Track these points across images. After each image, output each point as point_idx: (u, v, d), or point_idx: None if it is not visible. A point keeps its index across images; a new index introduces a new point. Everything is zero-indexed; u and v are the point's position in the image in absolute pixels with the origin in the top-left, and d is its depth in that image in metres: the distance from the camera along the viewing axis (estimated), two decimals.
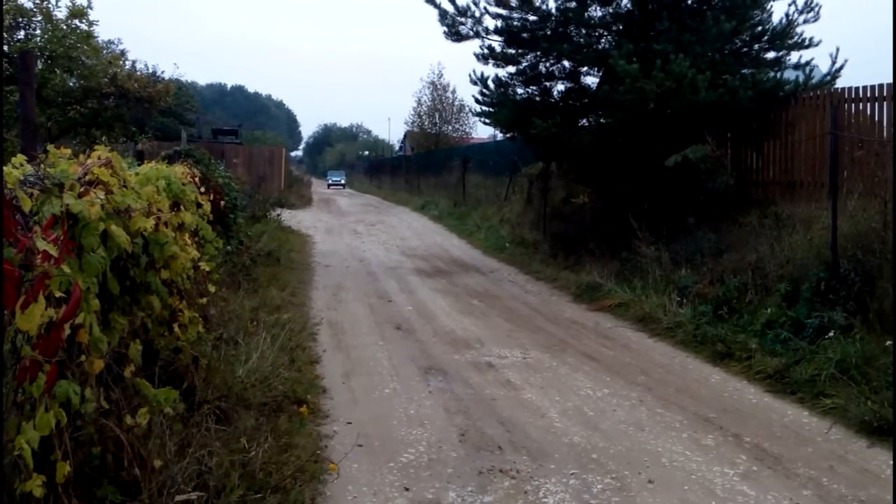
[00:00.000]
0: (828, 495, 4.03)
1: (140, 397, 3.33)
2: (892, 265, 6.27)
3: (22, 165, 2.69)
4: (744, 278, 7.79)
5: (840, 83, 10.69)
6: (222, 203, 8.78)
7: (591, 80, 12.64)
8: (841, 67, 10.89)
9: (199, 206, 5.39)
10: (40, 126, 12.22)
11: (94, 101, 14.25)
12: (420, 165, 37.95)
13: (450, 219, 21.67)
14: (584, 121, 12.82)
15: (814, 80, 10.90)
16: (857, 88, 9.13)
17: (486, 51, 12.67)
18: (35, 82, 5.00)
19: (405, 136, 55.89)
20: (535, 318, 8.76)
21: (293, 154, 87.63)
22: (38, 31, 13.99)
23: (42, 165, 2.86)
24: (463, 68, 18.20)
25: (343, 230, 19.72)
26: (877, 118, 8.84)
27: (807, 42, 11.46)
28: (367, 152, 77.10)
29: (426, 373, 6.34)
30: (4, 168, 2.52)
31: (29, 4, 13.71)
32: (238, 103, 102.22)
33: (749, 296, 7.56)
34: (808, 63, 11.36)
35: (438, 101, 43.38)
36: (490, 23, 12.50)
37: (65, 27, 13.79)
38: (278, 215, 17.36)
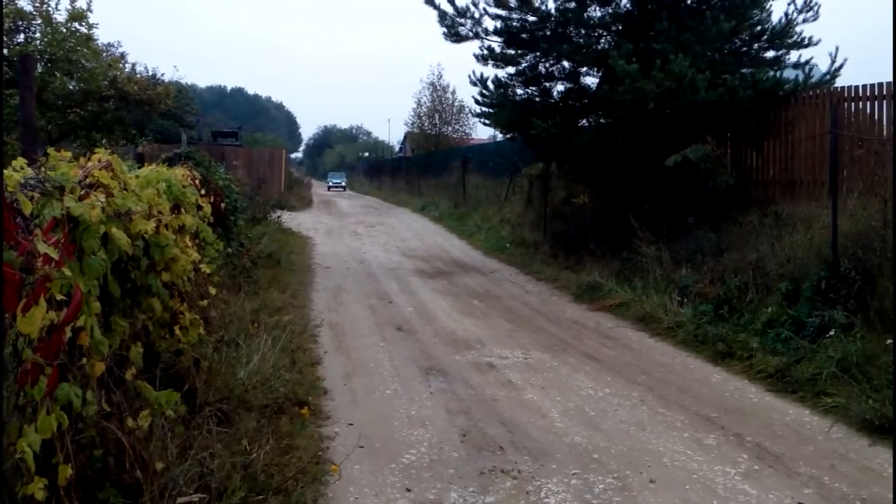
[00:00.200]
0: (829, 494, 4.03)
1: (141, 400, 3.33)
2: (892, 263, 6.27)
3: (23, 169, 2.69)
4: (744, 277, 7.79)
5: (840, 82, 10.71)
6: (223, 205, 8.79)
7: (591, 81, 12.67)
8: (840, 66, 10.90)
9: (199, 208, 5.40)
10: (40, 129, 12.24)
11: (94, 104, 14.26)
12: (420, 166, 37.95)
13: (450, 220, 21.67)
14: (584, 121, 12.83)
15: (813, 80, 10.90)
16: (856, 87, 9.14)
17: (485, 52, 12.69)
18: (35, 85, 5.01)
19: (405, 137, 55.88)
20: (536, 319, 8.77)
21: (293, 156, 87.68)
22: (37, 35, 14.00)
23: (43, 168, 2.86)
24: (463, 69, 18.18)
25: (343, 232, 19.72)
26: (877, 117, 8.84)
27: (806, 41, 11.47)
28: (366, 154, 77.09)
29: (427, 374, 6.35)
30: (5, 171, 2.52)
31: (29, 7, 13.74)
32: (238, 105, 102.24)
33: (750, 295, 7.56)
34: (807, 62, 11.37)
35: (438, 102, 43.40)
36: (489, 24, 12.53)
37: (64, 30, 13.80)
38: (278, 217, 17.36)
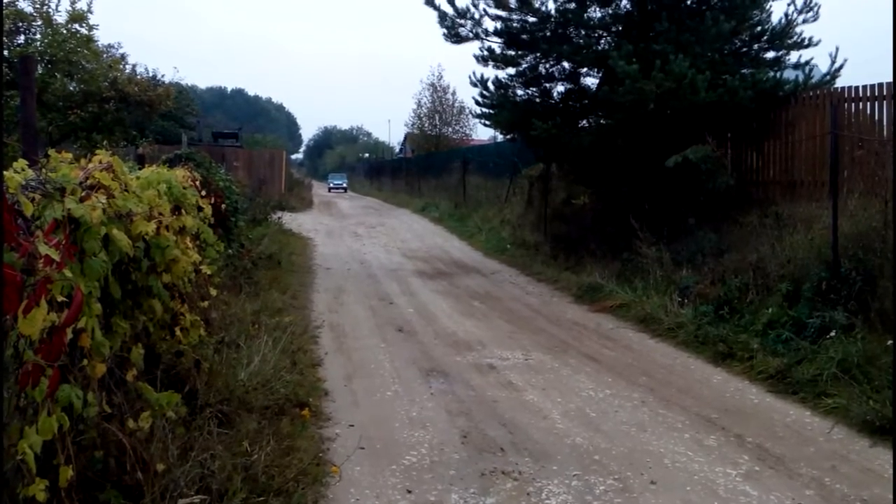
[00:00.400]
0: (830, 495, 4.03)
1: (142, 401, 3.33)
2: (892, 264, 6.27)
3: (23, 170, 2.69)
4: (745, 278, 7.79)
5: (840, 83, 10.72)
6: (223, 206, 8.79)
7: (591, 81, 12.68)
8: (840, 67, 10.91)
9: (200, 209, 5.40)
10: (41, 130, 12.24)
11: (95, 105, 14.24)
12: (420, 167, 37.96)
13: (450, 220, 21.68)
14: (584, 122, 12.83)
15: (813, 80, 10.90)
16: (856, 88, 9.14)
17: (485, 52, 12.70)
18: (35, 87, 5.01)
19: (405, 138, 55.90)
20: (537, 320, 8.76)
21: (293, 157, 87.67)
22: (38, 36, 13.99)
23: (44, 170, 2.86)
24: (463, 70, 18.19)
25: (344, 233, 19.73)
26: (877, 117, 8.84)
27: (806, 42, 11.48)
28: (367, 154, 77.09)
29: (428, 375, 6.34)
30: (6, 173, 2.52)
31: (29, 9, 13.72)
32: (238, 106, 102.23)
33: (750, 296, 7.56)
34: (807, 63, 11.37)
35: (438, 103, 43.41)
36: (489, 24, 12.54)
37: (65, 31, 13.79)
38: (279, 218, 17.35)
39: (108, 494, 2.95)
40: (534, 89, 13.04)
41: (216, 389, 4.55)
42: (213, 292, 5.60)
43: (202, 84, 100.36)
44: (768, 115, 10.57)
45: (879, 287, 6.38)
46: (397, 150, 67.71)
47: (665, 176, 10.32)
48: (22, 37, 13.94)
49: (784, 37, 11.48)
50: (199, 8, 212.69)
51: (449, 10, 12.51)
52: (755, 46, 11.75)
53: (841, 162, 8.01)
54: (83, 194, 2.93)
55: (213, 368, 4.75)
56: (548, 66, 12.77)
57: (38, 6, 13.69)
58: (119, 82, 14.60)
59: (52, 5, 13.78)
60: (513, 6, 12.08)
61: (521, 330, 8.16)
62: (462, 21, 12.57)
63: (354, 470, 4.20)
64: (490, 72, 27.42)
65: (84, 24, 13.95)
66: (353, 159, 78.17)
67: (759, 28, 11.53)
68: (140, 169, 5.37)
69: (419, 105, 44.16)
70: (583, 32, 12.01)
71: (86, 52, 14.03)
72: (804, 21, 11.38)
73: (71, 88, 13.95)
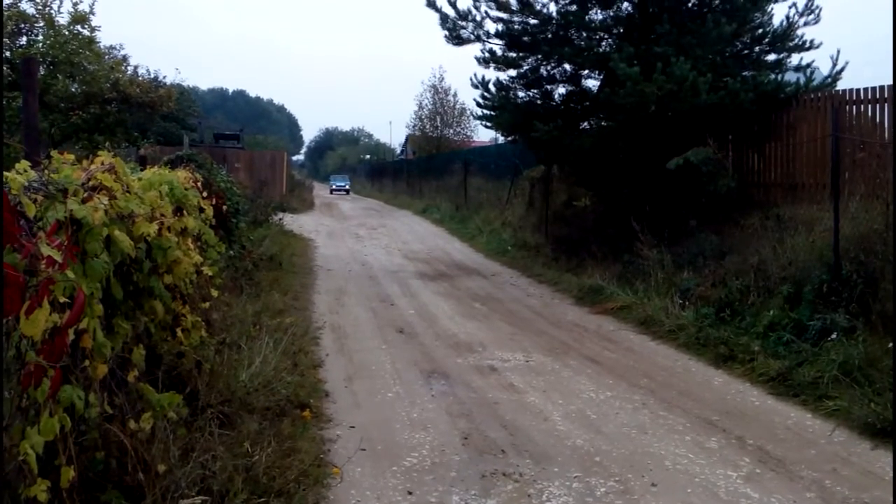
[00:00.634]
0: (831, 498, 4.03)
1: (143, 402, 3.34)
2: (893, 267, 6.27)
3: (26, 171, 2.69)
4: (746, 280, 7.78)
5: (841, 85, 10.72)
6: (224, 207, 8.80)
7: (592, 83, 12.68)
8: (842, 69, 10.90)
9: (201, 210, 5.41)
10: (43, 132, 12.25)
11: (97, 106, 14.25)
12: (421, 169, 37.97)
13: (451, 222, 21.68)
14: (586, 124, 12.83)
15: (815, 83, 10.91)
16: (858, 90, 9.15)
17: (487, 54, 12.71)
18: (38, 88, 5.02)
19: (406, 139, 55.92)
20: (538, 322, 8.76)
21: (295, 158, 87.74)
22: (40, 37, 14.00)
23: (46, 171, 2.86)
24: (464, 72, 18.22)
25: (345, 234, 19.74)
26: (878, 120, 8.85)
27: (807, 44, 11.48)
28: (368, 156, 77.13)
29: (429, 376, 6.35)
30: (9, 174, 2.53)
31: (31, 10, 13.73)
32: (239, 108, 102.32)
33: (751, 298, 7.55)
34: (808, 65, 11.36)
35: (440, 105, 43.38)
36: (491, 27, 12.56)
37: (67, 33, 13.79)
38: (280, 219, 17.38)
39: (110, 495, 2.95)
40: (535, 91, 13.05)
41: (217, 390, 4.56)
42: (215, 293, 5.61)
43: (204, 85, 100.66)
44: (769, 118, 10.57)
45: (881, 289, 6.37)
46: (398, 151, 67.75)
47: (666, 178, 10.33)
48: (24, 38, 13.96)
49: (785, 39, 11.48)
50: (202, 10, 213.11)
51: (450, 12, 12.54)
52: (756, 49, 11.76)
53: (842, 164, 8.01)
54: (85, 195, 2.93)
55: (214, 369, 4.75)
56: (549, 68, 12.78)
57: (40, 7, 13.71)
58: (121, 84, 14.61)
59: (55, 7, 13.79)
60: (514, 8, 12.09)
61: (522, 331, 8.16)
62: (463, 23, 12.59)
63: (355, 471, 4.21)
64: (491, 74, 27.48)
65: (86, 26, 13.95)
66: (354, 161, 78.20)
67: (760, 30, 11.54)
68: (142, 170, 5.38)
69: (420, 107, 44.19)
70: (584, 34, 12.01)
71: (88, 53, 14.03)
72: (805, 24, 11.40)
73: (73, 90, 13.95)
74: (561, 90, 13.08)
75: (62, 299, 2.43)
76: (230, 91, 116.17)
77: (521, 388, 6.01)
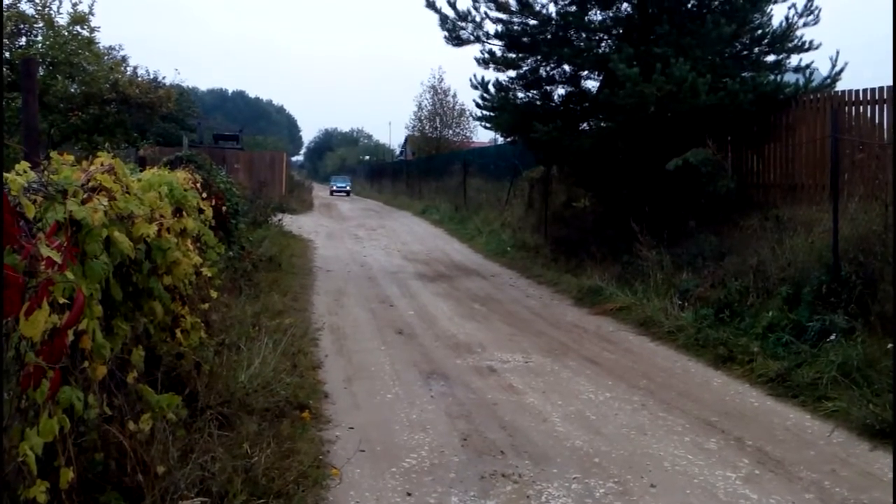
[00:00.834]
0: (830, 499, 4.03)
1: (143, 403, 3.34)
2: (893, 268, 6.27)
3: (25, 172, 2.70)
4: (745, 281, 7.79)
5: (840, 86, 10.73)
6: (224, 208, 8.80)
7: (592, 84, 12.70)
8: (841, 70, 10.92)
9: (200, 211, 5.41)
10: (42, 132, 12.25)
11: (96, 107, 14.25)
12: (421, 170, 37.98)
13: (451, 223, 21.69)
14: (585, 125, 12.84)
15: (814, 84, 10.91)
16: (857, 91, 9.15)
17: (486, 55, 12.72)
18: (37, 89, 5.02)
19: (406, 140, 55.92)
20: (537, 322, 8.77)
21: (294, 159, 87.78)
22: (39, 38, 14.00)
23: (45, 172, 2.86)
24: (464, 72, 18.25)
25: (344, 235, 19.74)
26: (877, 121, 8.86)
27: (807, 45, 11.49)
28: (367, 157, 77.15)
29: (428, 377, 6.35)
30: (9, 175, 2.53)
31: (30, 11, 13.73)
32: (239, 108, 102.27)
33: (750, 299, 7.56)
34: (808, 66, 11.37)
35: (439, 106, 43.39)
36: (490, 27, 12.57)
37: (66, 33, 13.79)
38: (279, 220, 17.38)
39: (109, 496, 2.95)
40: (534, 92, 13.05)
41: (216, 391, 4.56)
42: (214, 294, 5.61)
43: (203, 86, 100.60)
44: (769, 119, 10.58)
45: (880, 290, 6.38)
46: (398, 152, 67.78)
47: (665, 179, 10.33)
48: (23, 39, 13.95)
49: (784, 40, 11.49)
50: (201, 10, 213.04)
51: (450, 13, 12.55)
52: (756, 50, 11.76)
53: (841, 165, 8.02)
54: (85, 196, 2.93)
55: (213, 370, 4.75)
56: (548, 68, 12.79)
57: (39, 8, 13.70)
58: (120, 84, 14.61)
59: (54, 7, 13.79)
60: (514, 9, 12.10)
61: (522, 332, 8.17)
62: (463, 24, 12.60)
63: (354, 472, 4.21)
64: (491, 74, 27.53)
65: (85, 27, 13.96)
66: (353, 161, 78.22)
67: (759, 31, 11.55)
68: (141, 171, 5.37)
69: (420, 107, 44.20)
70: (583, 35, 12.02)
71: (87, 54, 14.03)
72: (805, 24, 11.41)
73: (72, 90, 13.96)
74: (560, 91, 13.11)
75: (61, 300, 2.43)
76: (229, 92, 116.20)
77: (520, 389, 6.01)
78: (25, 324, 2.21)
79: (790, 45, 11.53)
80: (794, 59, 11.66)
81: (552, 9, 12.06)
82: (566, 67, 12.62)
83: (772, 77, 10.90)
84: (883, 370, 5.53)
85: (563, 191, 14.84)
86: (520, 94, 13.13)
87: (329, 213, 28.92)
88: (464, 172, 25.19)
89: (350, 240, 18.47)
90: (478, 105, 13.35)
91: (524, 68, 12.83)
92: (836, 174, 7.58)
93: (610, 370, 6.64)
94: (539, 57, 12.47)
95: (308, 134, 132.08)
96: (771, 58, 11.73)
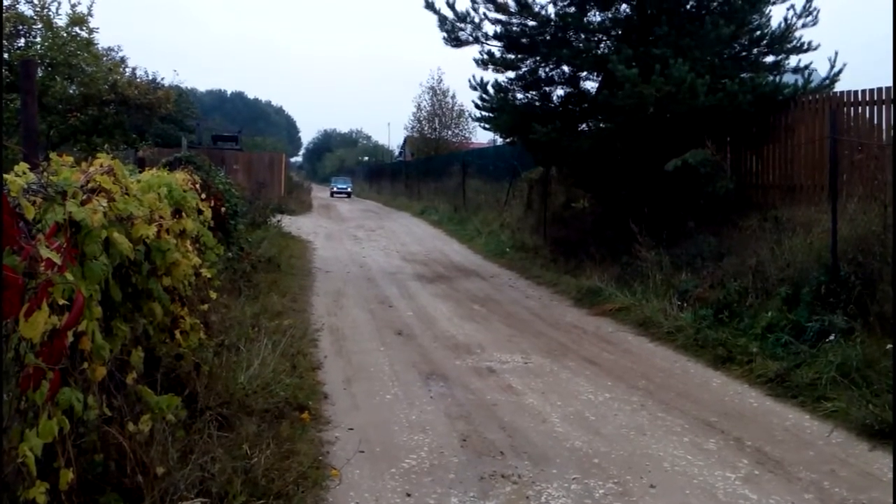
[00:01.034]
0: (829, 499, 4.03)
1: (142, 404, 3.34)
2: (892, 268, 6.28)
3: (25, 173, 2.69)
4: (744, 282, 7.79)
5: (839, 87, 10.74)
6: (223, 209, 8.79)
7: (591, 85, 12.71)
8: (840, 71, 10.94)
9: (200, 212, 5.40)
10: (41, 133, 12.25)
11: (95, 108, 14.26)
12: (420, 171, 37.99)
13: (450, 224, 21.69)
14: (584, 125, 12.85)
15: (813, 84, 10.93)
16: (856, 92, 9.17)
17: (485, 56, 12.72)
18: (36, 90, 5.02)
19: (405, 141, 55.93)
20: (536, 323, 8.77)
21: (293, 160, 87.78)
22: (38, 39, 14.01)
23: (45, 173, 2.86)
24: (462, 73, 18.29)
25: (343, 236, 19.73)
26: (876, 121, 8.88)
27: (805, 46, 11.51)
28: (366, 158, 77.16)
29: (427, 378, 6.35)
30: (8, 176, 2.53)
31: (29, 12, 13.74)
32: (237, 109, 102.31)
33: (749, 299, 7.56)
34: (807, 67, 11.39)
35: (438, 107, 43.43)
36: (489, 28, 12.57)
37: (65, 35, 13.80)
38: (278, 221, 17.38)
39: (108, 497, 2.95)
40: (533, 93, 13.06)
41: (216, 392, 4.55)
42: (213, 295, 5.60)
43: (202, 87, 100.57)
44: (768, 120, 10.59)
45: (879, 291, 6.38)
46: (397, 153, 67.77)
47: (664, 180, 10.34)
48: (22, 40, 13.95)
49: (783, 41, 11.51)
50: (200, 11, 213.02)
51: (449, 14, 12.55)
52: (755, 51, 11.78)
53: (840, 166, 8.03)
54: (84, 198, 2.93)
55: (212, 371, 4.75)
56: (547, 69, 12.80)
57: (38, 9, 13.71)
58: (119, 85, 14.62)
59: (53, 8, 13.81)
60: (513, 10, 12.11)
61: (521, 333, 8.17)
62: (462, 25, 12.60)
63: (354, 473, 4.21)
64: (490, 75, 27.46)
65: (84, 28, 13.97)
66: (352, 162, 78.22)
67: (758, 32, 11.56)
68: (140, 172, 5.37)
69: (419, 108, 44.23)
70: (582, 36, 12.04)
71: (86, 55, 14.04)
72: (803, 25, 11.43)
73: (71, 91, 13.96)
74: (559, 92, 13.12)
75: (61, 301, 2.43)
76: (228, 93, 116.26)
77: (519, 389, 6.01)
78: (25, 325, 2.21)
79: (789, 45, 11.54)
80: (792, 60, 11.70)
81: (551, 10, 12.10)
82: (565, 68, 12.64)
83: (771, 78, 10.92)
84: (882, 370, 5.53)
85: (562, 192, 14.85)
86: (519, 95, 13.14)
87: (328, 214, 28.91)
88: (463, 173, 25.19)
89: (349, 241, 18.47)
90: (477, 106, 13.37)
91: (523, 69, 12.84)
92: (835, 175, 7.59)
93: (609, 371, 6.65)
94: (538, 58, 12.48)
95: (307, 135, 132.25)
96: (770, 59, 11.75)
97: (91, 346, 2.74)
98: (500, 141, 22.34)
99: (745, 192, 10.53)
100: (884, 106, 8.69)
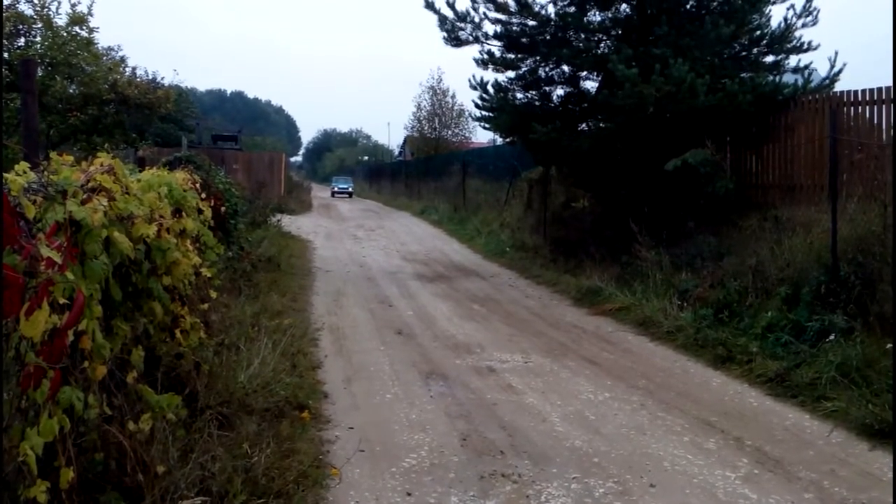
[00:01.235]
0: (829, 498, 4.03)
1: (143, 403, 3.34)
2: (892, 268, 6.28)
3: (25, 173, 2.70)
4: (744, 282, 7.79)
5: (839, 87, 10.74)
6: (223, 209, 8.80)
7: (591, 85, 12.70)
8: (840, 71, 10.93)
9: (200, 212, 5.40)
10: (41, 133, 12.24)
11: (95, 107, 14.27)
12: (420, 170, 37.98)
13: (450, 223, 21.69)
14: (584, 125, 12.84)
15: (813, 84, 10.93)
16: (856, 92, 9.16)
17: (485, 56, 12.71)
18: (36, 89, 5.02)
19: (405, 141, 55.94)
20: (536, 323, 8.77)
21: (293, 159, 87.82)
22: (38, 39, 14.01)
23: (45, 172, 2.87)
24: (462, 73, 18.26)
25: (343, 235, 19.73)
26: (876, 121, 8.87)
27: (805, 46, 11.50)
28: (366, 157, 77.16)
29: (427, 378, 6.35)
30: (9, 175, 2.53)
31: (29, 11, 13.74)
32: (237, 109, 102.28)
33: (749, 299, 7.57)
34: (806, 67, 11.38)
35: (438, 106, 43.43)
36: (489, 28, 12.57)
37: (65, 34, 13.81)
38: (278, 221, 17.38)
39: (109, 496, 2.95)
40: (533, 93, 13.05)
41: (216, 392, 4.56)
42: (213, 295, 5.61)
43: (202, 86, 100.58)
44: (767, 119, 10.58)
45: (878, 291, 6.39)
46: (397, 152, 67.78)
47: (664, 179, 10.34)
48: (22, 39, 13.96)
49: (783, 41, 11.50)
50: (200, 11, 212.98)
51: (449, 13, 12.55)
52: (754, 51, 11.77)
53: (840, 166, 8.03)
54: (84, 197, 2.94)
55: (213, 371, 4.75)
56: (547, 69, 12.79)
57: (38, 9, 13.72)
58: (119, 85, 14.62)
59: (53, 8, 13.81)
60: (513, 10, 12.10)
61: (521, 333, 8.17)
62: (462, 25, 12.60)
63: (354, 472, 4.21)
64: (490, 75, 27.44)
65: (84, 27, 13.98)
66: (352, 162, 78.23)
67: (758, 32, 11.56)
68: (140, 171, 5.37)
69: (419, 108, 44.23)
70: (582, 36, 12.03)
71: (86, 54, 14.04)
72: (803, 25, 11.42)
73: (71, 91, 13.97)
74: (559, 92, 13.11)
75: (61, 301, 2.43)
76: (228, 92, 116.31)
77: (519, 389, 6.02)
78: (25, 324, 2.21)
79: (789, 45, 11.54)
80: (792, 60, 11.69)
81: (551, 9, 12.09)
82: (565, 68, 12.63)
83: (770, 78, 10.91)
84: (882, 370, 5.54)
85: (561, 191, 14.84)
86: (519, 95, 13.13)
87: (328, 214, 28.91)
88: (463, 173, 25.19)
89: (349, 240, 18.47)
90: (477, 106, 13.36)
91: (523, 69, 12.83)
92: (835, 175, 7.59)
93: (609, 370, 6.65)
94: (538, 58, 12.47)
95: (307, 134, 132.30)
96: (770, 58, 11.74)
97: (91, 345, 2.75)
98: (499, 141, 22.34)
99: (745, 192, 10.53)
100: (884, 106, 8.69)
